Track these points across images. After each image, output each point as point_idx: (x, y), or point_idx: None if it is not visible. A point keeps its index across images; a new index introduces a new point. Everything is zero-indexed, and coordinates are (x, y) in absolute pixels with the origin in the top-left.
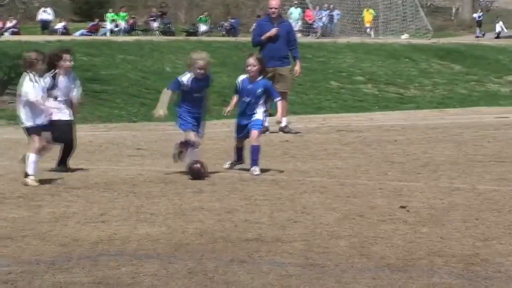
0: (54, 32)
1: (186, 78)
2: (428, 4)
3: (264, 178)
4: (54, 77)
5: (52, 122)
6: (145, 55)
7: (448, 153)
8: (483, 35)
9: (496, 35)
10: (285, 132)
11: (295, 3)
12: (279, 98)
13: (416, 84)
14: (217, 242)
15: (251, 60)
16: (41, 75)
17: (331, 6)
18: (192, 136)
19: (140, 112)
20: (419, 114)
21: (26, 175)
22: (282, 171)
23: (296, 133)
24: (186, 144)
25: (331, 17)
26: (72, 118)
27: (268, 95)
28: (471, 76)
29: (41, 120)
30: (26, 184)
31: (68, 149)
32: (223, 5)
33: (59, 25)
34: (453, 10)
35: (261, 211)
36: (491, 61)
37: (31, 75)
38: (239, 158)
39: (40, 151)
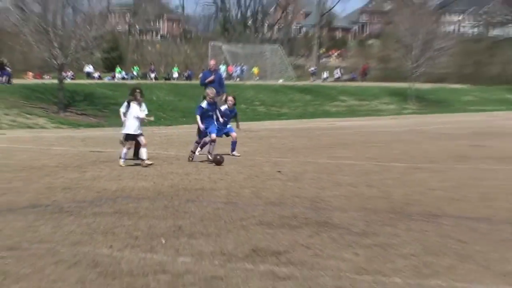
0: (93, 78)
1: (204, 104)
2: (293, 63)
3: (208, 157)
4: (129, 103)
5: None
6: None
7: (303, 142)
8: (315, 80)
9: (323, 80)
10: None
11: (223, 62)
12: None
13: (287, 105)
14: (180, 190)
15: (230, 98)
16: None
17: (242, 64)
18: (212, 137)
19: None
20: (288, 122)
21: (120, 158)
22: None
23: None
24: (201, 139)
25: (242, 70)
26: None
27: (235, 116)
28: (316, 101)
29: (132, 131)
30: (120, 165)
31: (138, 145)
32: (183, 63)
33: (96, 74)
34: (306, 67)
35: (203, 174)
36: (327, 93)
37: (135, 103)
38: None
39: (129, 148)
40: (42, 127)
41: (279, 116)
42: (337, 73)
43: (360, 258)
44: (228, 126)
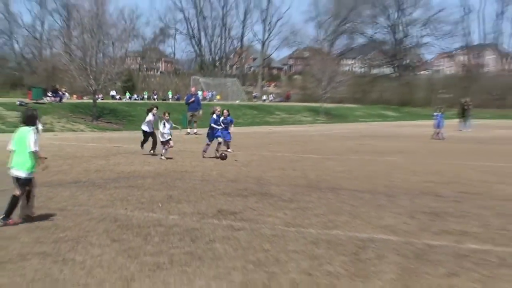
0: (115, 99)
1: (214, 116)
2: (245, 90)
3: (191, 151)
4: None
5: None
6: (148, 106)
7: (252, 142)
8: (256, 101)
9: (263, 100)
10: (196, 134)
11: (200, 89)
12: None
13: (241, 117)
14: (171, 172)
15: (226, 112)
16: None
17: (212, 90)
18: (219, 140)
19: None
20: (242, 128)
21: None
22: (194, 149)
23: (199, 134)
24: (218, 145)
25: (212, 95)
26: (153, 131)
27: (231, 122)
28: (260, 115)
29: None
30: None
31: (154, 143)
32: (174, 90)
33: (117, 96)
34: (253, 93)
35: (186, 161)
36: (267, 109)
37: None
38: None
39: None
40: (82, 131)
41: (236, 124)
42: (271, 97)
43: (288, 216)
44: (229, 131)
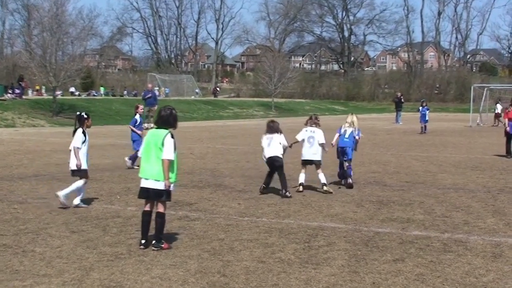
0: (75, 95)
1: (346, 129)
2: (200, 86)
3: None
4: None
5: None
6: (107, 102)
7: (206, 135)
8: (216, 97)
9: (214, 95)
10: (152, 128)
11: (156, 85)
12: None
13: (196, 112)
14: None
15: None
16: None
17: (168, 87)
18: (346, 164)
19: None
20: (197, 123)
21: None
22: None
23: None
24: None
25: (169, 90)
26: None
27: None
28: (214, 110)
29: None
30: None
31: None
32: (132, 86)
33: (76, 93)
34: (211, 88)
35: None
36: (221, 104)
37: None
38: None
39: None
40: (42, 126)
41: (191, 119)
42: (218, 91)
43: (242, 206)
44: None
